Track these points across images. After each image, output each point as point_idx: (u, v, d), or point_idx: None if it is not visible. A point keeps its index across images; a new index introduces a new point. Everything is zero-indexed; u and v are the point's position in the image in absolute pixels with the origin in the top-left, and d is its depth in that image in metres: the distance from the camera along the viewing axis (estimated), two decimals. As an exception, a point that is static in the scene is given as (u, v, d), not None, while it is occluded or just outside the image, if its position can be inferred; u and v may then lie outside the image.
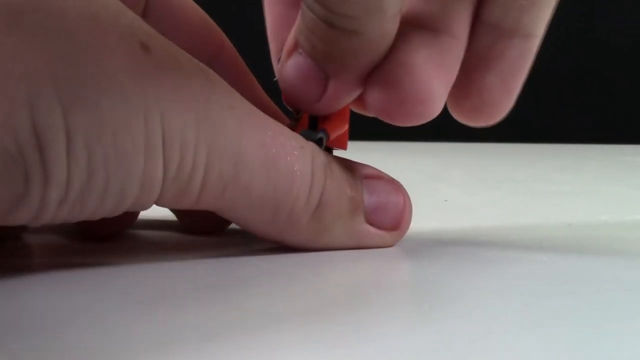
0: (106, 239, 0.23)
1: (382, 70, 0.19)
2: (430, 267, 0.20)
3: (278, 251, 0.20)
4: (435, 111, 0.20)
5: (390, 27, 0.19)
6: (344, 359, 0.12)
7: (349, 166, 0.21)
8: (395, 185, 0.22)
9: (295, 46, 0.20)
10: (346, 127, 0.22)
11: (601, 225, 0.28)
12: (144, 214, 0.23)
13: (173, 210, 0.24)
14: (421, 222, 0.22)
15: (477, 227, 0.27)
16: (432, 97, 0.20)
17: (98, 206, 0.16)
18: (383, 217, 0.21)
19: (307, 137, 0.20)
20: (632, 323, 0.15)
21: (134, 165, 0.16)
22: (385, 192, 0.21)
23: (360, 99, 0.21)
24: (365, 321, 0.15)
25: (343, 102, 0.21)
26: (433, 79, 0.20)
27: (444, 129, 0.22)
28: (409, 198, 0.22)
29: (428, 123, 0.20)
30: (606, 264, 0.20)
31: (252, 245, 0.21)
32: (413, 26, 0.20)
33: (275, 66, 0.22)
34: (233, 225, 0.23)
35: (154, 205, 0.18)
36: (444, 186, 0.42)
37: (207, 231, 0.24)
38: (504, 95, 0.21)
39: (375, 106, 0.20)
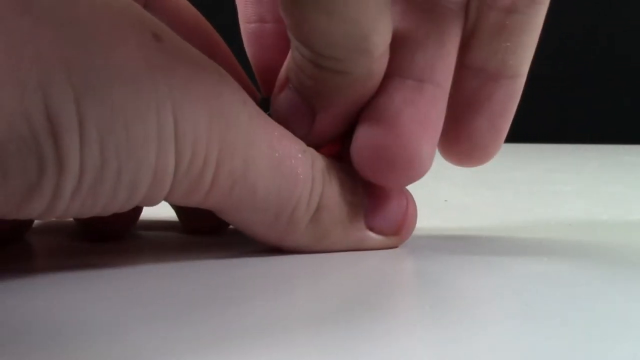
0: (109, 239, 0.23)
1: (368, 134, 0.20)
2: (431, 267, 0.20)
3: (278, 252, 0.20)
4: (424, 171, 0.20)
5: (377, 66, 0.19)
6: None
7: (349, 171, 0.21)
8: (397, 189, 0.21)
9: (286, 81, 0.20)
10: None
11: (601, 225, 0.28)
12: (144, 215, 0.23)
13: (175, 210, 0.24)
14: (421, 222, 0.22)
15: (477, 227, 0.27)
16: (421, 159, 0.20)
17: (110, 199, 0.16)
18: (383, 223, 0.21)
19: None
20: (632, 323, 0.15)
21: (146, 157, 0.16)
22: (386, 197, 0.21)
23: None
24: (366, 322, 0.15)
25: (331, 136, 0.21)
26: (421, 141, 0.20)
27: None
28: (413, 201, 0.22)
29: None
30: (606, 264, 0.20)
31: (252, 245, 0.21)
32: (396, 76, 0.20)
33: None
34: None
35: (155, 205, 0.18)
36: (444, 186, 0.42)
37: (208, 231, 0.24)
38: (493, 137, 0.22)
39: (363, 170, 0.20)
